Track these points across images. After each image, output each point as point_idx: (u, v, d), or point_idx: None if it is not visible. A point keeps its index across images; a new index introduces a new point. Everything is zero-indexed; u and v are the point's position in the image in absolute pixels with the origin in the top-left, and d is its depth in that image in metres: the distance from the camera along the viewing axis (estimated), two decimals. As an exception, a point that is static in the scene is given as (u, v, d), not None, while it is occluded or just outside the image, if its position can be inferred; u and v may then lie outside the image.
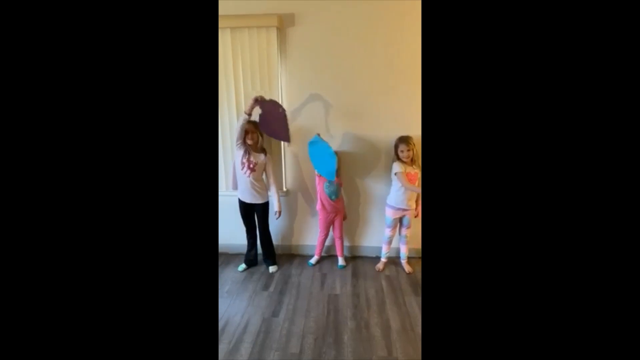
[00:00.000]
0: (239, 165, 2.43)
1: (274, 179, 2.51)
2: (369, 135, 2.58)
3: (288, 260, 2.78)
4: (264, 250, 2.64)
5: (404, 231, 2.58)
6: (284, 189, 2.73)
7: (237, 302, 2.23)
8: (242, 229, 2.63)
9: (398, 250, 2.68)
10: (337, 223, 2.65)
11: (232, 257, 2.81)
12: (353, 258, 2.81)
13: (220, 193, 2.67)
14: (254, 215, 2.57)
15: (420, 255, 2.74)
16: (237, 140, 2.39)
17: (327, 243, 2.77)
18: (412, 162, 2.42)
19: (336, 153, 2.53)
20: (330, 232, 2.71)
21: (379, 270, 2.60)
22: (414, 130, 2.46)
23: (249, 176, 2.42)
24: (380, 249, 2.68)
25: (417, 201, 2.51)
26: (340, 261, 2.69)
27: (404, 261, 2.64)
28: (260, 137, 2.42)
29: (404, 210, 2.48)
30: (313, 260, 2.72)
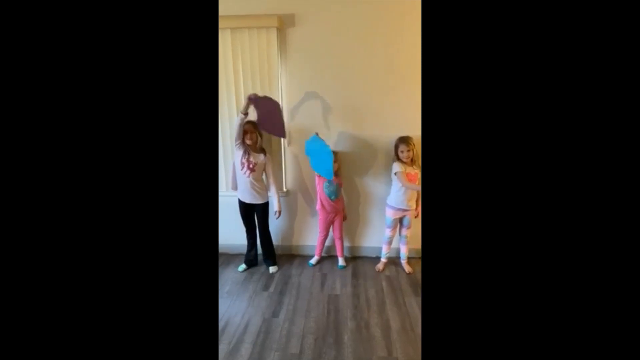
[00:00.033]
0: (238, 166, 2.44)
1: (273, 179, 2.51)
2: (369, 135, 2.59)
3: (288, 260, 2.78)
4: (264, 251, 2.64)
5: (404, 231, 2.58)
6: (284, 189, 2.73)
7: (237, 303, 2.23)
8: (242, 229, 2.63)
9: (398, 251, 2.68)
10: (336, 223, 2.65)
11: (232, 257, 2.81)
12: (353, 258, 2.81)
13: (220, 193, 2.67)
14: (253, 215, 2.57)
15: (421, 256, 2.74)
16: (236, 141, 2.39)
17: (327, 243, 2.77)
18: (412, 162, 2.42)
19: (336, 153, 2.54)
20: (330, 233, 2.71)
21: (379, 271, 2.60)
22: (414, 130, 2.47)
23: (248, 176, 2.42)
24: (380, 249, 2.68)
25: (417, 201, 2.51)
26: (341, 261, 2.69)
27: (404, 261, 2.64)
28: (259, 137, 2.43)
29: (404, 210, 2.48)
30: (313, 261, 2.72)
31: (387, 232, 2.58)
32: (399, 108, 2.51)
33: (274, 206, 2.52)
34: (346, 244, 2.80)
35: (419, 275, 2.54)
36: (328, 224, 2.65)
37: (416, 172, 2.42)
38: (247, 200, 2.48)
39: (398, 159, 2.42)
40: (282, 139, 2.63)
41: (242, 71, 2.52)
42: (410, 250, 2.65)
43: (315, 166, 2.44)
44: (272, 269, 2.61)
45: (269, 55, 2.47)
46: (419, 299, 2.24)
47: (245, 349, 1.81)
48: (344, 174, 2.65)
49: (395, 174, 2.40)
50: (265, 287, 2.41)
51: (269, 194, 2.54)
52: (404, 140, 2.39)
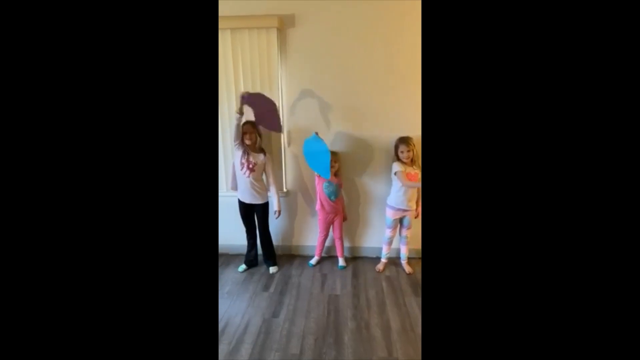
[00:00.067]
0: (238, 166, 2.44)
1: (273, 179, 2.51)
2: (369, 135, 2.59)
3: (288, 260, 2.78)
4: (264, 251, 2.64)
5: (405, 232, 2.58)
6: (284, 190, 2.73)
7: (237, 303, 2.23)
8: (242, 230, 2.63)
9: (398, 251, 2.68)
10: (336, 224, 2.65)
11: (233, 257, 2.81)
12: (353, 259, 2.81)
13: (220, 193, 2.68)
14: (253, 215, 2.57)
15: (421, 256, 2.73)
16: (235, 141, 2.39)
17: (327, 244, 2.77)
18: (412, 162, 2.42)
19: (336, 153, 2.54)
20: (330, 233, 2.71)
21: (379, 271, 2.60)
22: (414, 130, 2.47)
23: (248, 176, 2.42)
24: (380, 249, 2.68)
25: (417, 202, 2.51)
26: (341, 262, 2.69)
27: (404, 262, 2.64)
28: (258, 137, 2.43)
29: (404, 210, 2.48)
30: (313, 261, 2.72)
31: (387, 232, 2.58)
32: (399, 108, 2.51)
33: (273, 206, 2.52)
34: (346, 244, 2.80)
35: (419, 276, 2.53)
36: (328, 224, 2.65)
37: (416, 172, 2.42)
38: (247, 200, 2.48)
39: (398, 159, 2.43)
40: (282, 140, 2.63)
41: (242, 71, 2.52)
42: (410, 251, 2.65)
43: (313, 165, 2.44)
44: (272, 270, 2.61)
45: (269, 56, 2.47)
46: (419, 299, 2.24)
47: (246, 350, 1.81)
48: (344, 174, 2.65)
49: (395, 173, 2.40)
50: (266, 288, 2.41)
51: (269, 194, 2.54)
52: (404, 140, 2.39)
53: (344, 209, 2.69)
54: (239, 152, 2.41)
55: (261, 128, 2.46)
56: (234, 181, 2.53)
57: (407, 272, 2.57)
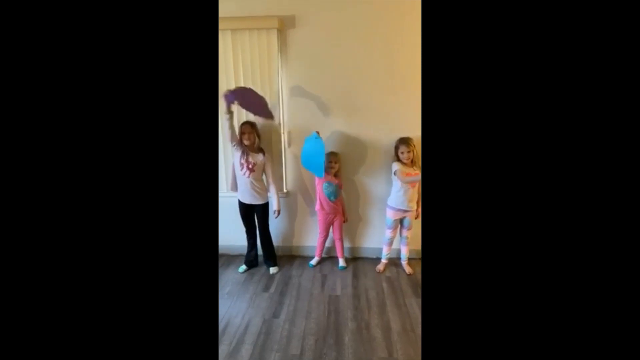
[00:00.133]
0: (238, 166, 2.44)
1: (273, 179, 2.51)
2: (369, 136, 2.59)
3: (288, 261, 2.78)
4: (264, 252, 2.64)
5: (405, 232, 2.58)
6: (285, 190, 2.73)
7: (237, 304, 2.23)
8: (242, 230, 2.63)
9: (399, 252, 2.68)
10: (336, 224, 2.65)
11: (233, 258, 2.81)
12: (354, 259, 2.81)
13: (220, 194, 2.68)
14: (254, 216, 2.57)
15: (421, 257, 2.73)
16: (231, 142, 2.39)
17: (327, 244, 2.77)
18: (413, 163, 2.42)
19: (336, 154, 2.54)
20: (330, 233, 2.71)
21: (379, 272, 2.60)
22: (414, 131, 2.47)
23: (248, 177, 2.42)
24: (380, 250, 2.68)
25: (417, 202, 2.51)
26: (341, 262, 2.69)
27: (404, 262, 2.64)
28: (257, 138, 2.42)
29: (405, 211, 2.48)
30: (313, 262, 2.72)
31: (388, 233, 2.58)
32: (399, 109, 2.51)
33: (273, 206, 2.52)
34: (346, 244, 2.80)
35: (419, 276, 2.53)
36: (327, 225, 2.65)
37: (416, 172, 2.42)
38: (247, 201, 2.49)
39: (398, 159, 2.43)
40: (282, 140, 2.63)
41: (242, 72, 2.52)
42: (410, 251, 2.65)
43: (307, 163, 2.44)
44: (272, 270, 2.61)
45: (269, 57, 2.48)
46: (420, 300, 2.24)
47: (246, 350, 1.81)
48: (344, 174, 2.66)
49: (394, 172, 2.40)
50: (266, 288, 2.41)
51: (269, 194, 2.54)
52: (404, 141, 2.39)
53: (344, 210, 2.69)
54: (238, 153, 2.41)
55: (259, 129, 2.46)
56: (234, 182, 2.53)
57: (408, 273, 2.57)
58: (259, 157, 2.44)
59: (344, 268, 2.66)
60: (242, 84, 2.52)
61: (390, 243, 2.62)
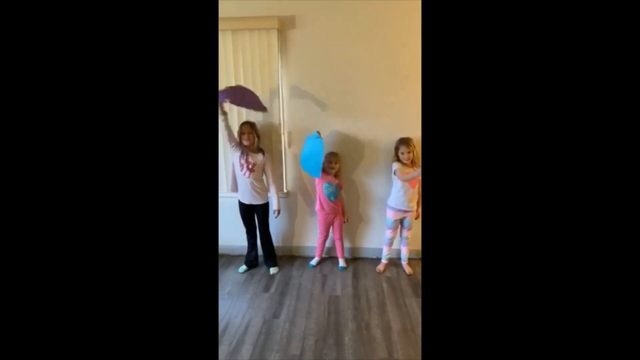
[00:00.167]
0: (238, 167, 2.44)
1: (273, 179, 2.51)
2: (369, 136, 2.59)
3: (289, 261, 2.78)
4: (264, 252, 2.64)
5: (405, 232, 2.58)
6: (285, 191, 2.73)
7: (237, 304, 2.23)
8: (242, 231, 2.63)
9: (399, 252, 2.68)
10: (336, 224, 2.65)
11: (233, 258, 2.81)
12: (354, 259, 2.81)
13: (220, 194, 2.68)
14: (254, 216, 2.57)
15: (421, 257, 2.73)
16: (230, 143, 2.39)
17: (327, 244, 2.77)
18: (413, 163, 2.42)
19: (336, 154, 2.54)
20: (330, 234, 2.71)
21: (379, 272, 2.60)
22: (415, 131, 2.47)
23: (248, 177, 2.42)
24: (380, 250, 2.68)
25: (418, 203, 2.51)
26: (341, 262, 2.69)
27: (404, 262, 2.64)
28: (256, 138, 2.42)
29: (405, 211, 2.48)
30: (314, 262, 2.72)
31: (388, 233, 2.58)
32: (399, 109, 2.51)
33: (273, 206, 2.52)
34: (346, 245, 2.80)
35: (419, 277, 2.53)
36: (327, 225, 2.65)
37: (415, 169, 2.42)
38: (247, 201, 2.49)
39: (398, 159, 2.43)
40: (282, 141, 2.63)
41: (242, 73, 2.52)
42: (410, 252, 2.65)
43: (305, 163, 2.44)
44: (272, 270, 2.61)
45: (269, 57, 2.48)
46: (420, 300, 2.24)
47: (246, 350, 1.81)
48: (344, 174, 2.66)
49: (394, 172, 2.40)
50: (266, 288, 2.41)
51: (269, 194, 2.54)
52: (405, 141, 2.39)
53: (345, 210, 2.69)
54: (237, 153, 2.41)
55: (259, 129, 2.46)
56: (234, 183, 2.53)
57: (408, 273, 2.57)
58: (259, 157, 2.44)
59: (344, 268, 2.66)
60: (242, 84, 2.52)
61: (391, 243, 2.62)
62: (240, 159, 2.41)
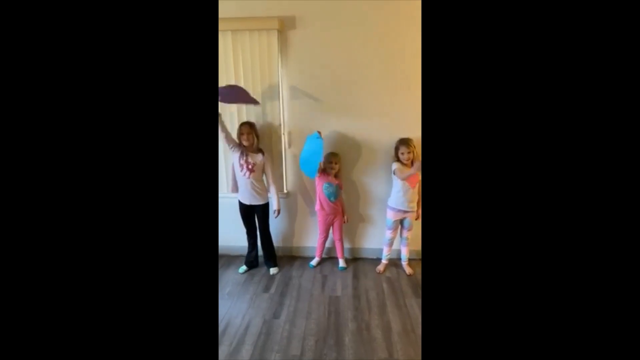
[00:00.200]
0: (237, 168, 2.44)
1: (273, 179, 2.51)
2: (369, 137, 2.59)
3: (289, 262, 2.78)
4: (264, 252, 2.64)
5: (405, 233, 2.58)
6: (285, 191, 2.73)
7: (238, 304, 2.23)
8: (242, 231, 2.63)
9: (399, 252, 2.68)
10: (336, 225, 2.65)
11: (233, 258, 2.81)
12: (354, 260, 2.81)
13: (221, 194, 2.68)
14: (254, 216, 2.57)
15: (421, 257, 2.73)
16: (228, 145, 2.39)
17: (327, 245, 2.77)
18: (412, 164, 2.42)
19: (336, 154, 2.54)
20: (330, 234, 2.71)
21: (379, 272, 2.60)
22: (415, 132, 2.47)
23: (248, 177, 2.42)
24: (381, 250, 2.68)
25: (418, 203, 2.51)
26: (341, 263, 2.69)
27: (404, 263, 2.64)
28: (256, 138, 2.42)
29: (405, 212, 2.48)
30: (314, 262, 2.72)
31: (388, 233, 2.58)
32: (399, 110, 2.51)
33: (273, 206, 2.52)
34: (346, 245, 2.80)
35: (419, 277, 2.53)
36: (327, 225, 2.65)
37: (416, 173, 2.42)
38: (247, 201, 2.49)
39: (398, 160, 2.43)
40: (282, 141, 2.63)
41: (242, 73, 2.52)
42: (411, 252, 2.65)
43: (303, 162, 2.43)
44: (272, 271, 2.61)
45: (269, 57, 2.48)
46: (420, 300, 2.24)
47: (246, 351, 1.81)
48: (344, 175, 2.66)
49: (394, 172, 2.40)
50: (266, 289, 2.41)
51: (269, 194, 2.54)
52: (405, 141, 2.39)
53: (345, 211, 2.69)
54: (237, 154, 2.41)
55: (258, 129, 2.46)
56: (234, 183, 2.53)
57: (408, 274, 2.57)
58: (259, 158, 2.44)
59: (344, 269, 2.66)
60: (242, 85, 2.52)
61: (391, 244, 2.62)
62: (240, 160, 2.41)
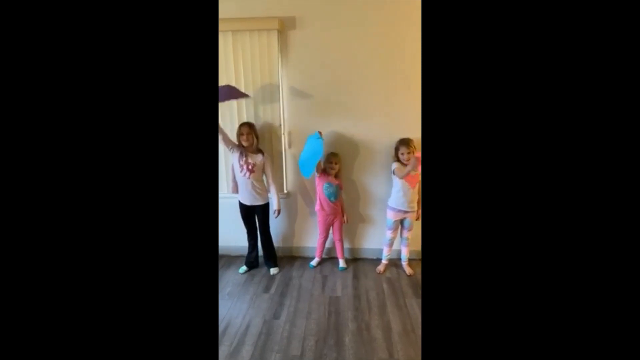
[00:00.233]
0: (237, 168, 2.44)
1: (273, 179, 2.51)
2: (369, 137, 2.59)
3: (289, 262, 2.78)
4: (264, 252, 2.64)
5: (405, 233, 2.58)
6: (285, 191, 2.73)
7: (238, 304, 2.23)
8: (243, 231, 2.63)
9: (399, 252, 2.68)
10: (336, 225, 2.65)
11: (233, 259, 2.81)
12: (354, 260, 2.81)
13: (221, 195, 2.68)
14: (254, 217, 2.57)
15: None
16: (227, 146, 2.39)
17: (327, 245, 2.77)
18: (413, 164, 2.42)
19: (337, 155, 2.54)
20: (330, 234, 2.71)
21: (379, 272, 2.60)
22: (415, 132, 2.47)
23: (248, 178, 2.42)
24: (381, 251, 2.68)
25: (418, 203, 2.51)
26: (341, 263, 2.69)
27: (405, 263, 2.64)
28: (255, 138, 2.42)
29: (405, 212, 2.48)
30: (314, 262, 2.72)
31: (388, 234, 2.58)
32: (399, 110, 2.51)
33: (273, 205, 2.52)
34: (347, 245, 2.80)
35: (420, 277, 2.53)
36: (327, 226, 2.65)
37: (416, 173, 2.42)
38: (248, 202, 2.49)
39: (398, 160, 2.43)
40: (282, 142, 2.64)
41: (243, 73, 2.53)
42: (411, 252, 2.65)
43: (303, 162, 2.43)
44: (272, 271, 2.61)
45: (269, 58, 2.48)
46: (420, 300, 2.24)
47: (246, 351, 1.81)
48: (344, 175, 2.66)
49: (393, 171, 2.40)
50: (266, 289, 2.41)
51: (269, 194, 2.54)
52: (405, 142, 2.39)
53: (344, 211, 2.69)
54: (236, 155, 2.41)
55: (257, 129, 2.46)
56: (234, 185, 2.53)
57: (408, 274, 2.57)
58: (258, 158, 2.44)
59: (344, 269, 2.66)
60: (242, 85, 2.53)
61: (391, 244, 2.62)
62: (239, 160, 2.41)
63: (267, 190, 2.54)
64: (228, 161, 2.67)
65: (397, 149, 2.44)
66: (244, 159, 2.40)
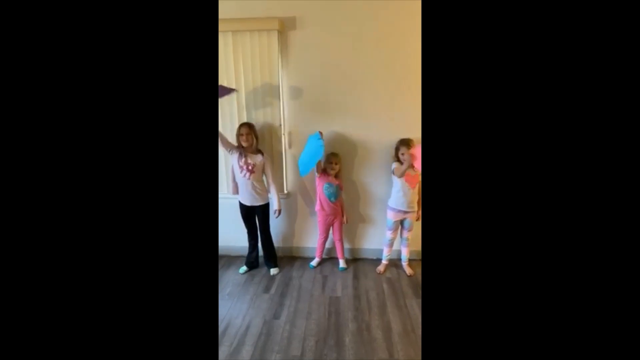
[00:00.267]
0: (237, 169, 2.44)
1: (273, 179, 2.51)
2: (370, 137, 2.59)
3: (289, 262, 2.78)
4: (265, 253, 2.64)
5: (405, 234, 2.58)
6: (285, 191, 2.73)
7: (238, 305, 2.23)
8: (243, 231, 2.63)
9: (399, 253, 2.68)
10: (336, 225, 2.65)
11: (234, 259, 2.81)
12: (354, 260, 2.81)
13: (221, 195, 2.68)
14: (254, 217, 2.57)
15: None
16: (226, 148, 2.39)
17: (328, 245, 2.77)
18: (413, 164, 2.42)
19: (337, 155, 2.54)
20: (330, 235, 2.71)
21: (380, 273, 2.60)
22: (415, 132, 2.47)
23: (249, 178, 2.42)
24: (381, 251, 2.68)
25: (418, 203, 2.51)
26: (341, 263, 2.68)
27: (405, 263, 2.64)
28: (255, 139, 2.41)
29: (405, 212, 2.48)
30: (314, 263, 2.72)
31: (388, 234, 2.58)
32: (400, 110, 2.51)
33: (274, 205, 2.52)
34: (347, 245, 2.80)
35: (420, 277, 2.53)
36: (327, 226, 2.65)
37: (416, 173, 2.42)
38: (248, 202, 2.48)
39: (398, 160, 2.43)
40: (283, 142, 2.64)
41: (243, 74, 2.53)
42: (411, 252, 2.65)
43: (302, 161, 2.43)
44: (273, 271, 2.61)
45: (269, 58, 2.48)
46: (420, 300, 2.24)
47: (247, 351, 1.81)
48: (344, 175, 2.66)
49: (393, 171, 2.40)
50: (266, 289, 2.41)
51: (269, 194, 2.54)
52: (405, 142, 2.39)
53: (344, 211, 2.69)
54: (236, 156, 2.41)
55: (257, 130, 2.46)
56: (234, 185, 2.53)
57: (408, 274, 2.57)
58: (258, 158, 2.44)
59: (344, 269, 2.66)
60: (242, 86, 2.53)
61: (391, 244, 2.61)
62: (239, 161, 2.41)
63: (267, 191, 2.54)
64: (228, 162, 2.67)
65: (397, 149, 2.44)
66: (244, 159, 2.40)
